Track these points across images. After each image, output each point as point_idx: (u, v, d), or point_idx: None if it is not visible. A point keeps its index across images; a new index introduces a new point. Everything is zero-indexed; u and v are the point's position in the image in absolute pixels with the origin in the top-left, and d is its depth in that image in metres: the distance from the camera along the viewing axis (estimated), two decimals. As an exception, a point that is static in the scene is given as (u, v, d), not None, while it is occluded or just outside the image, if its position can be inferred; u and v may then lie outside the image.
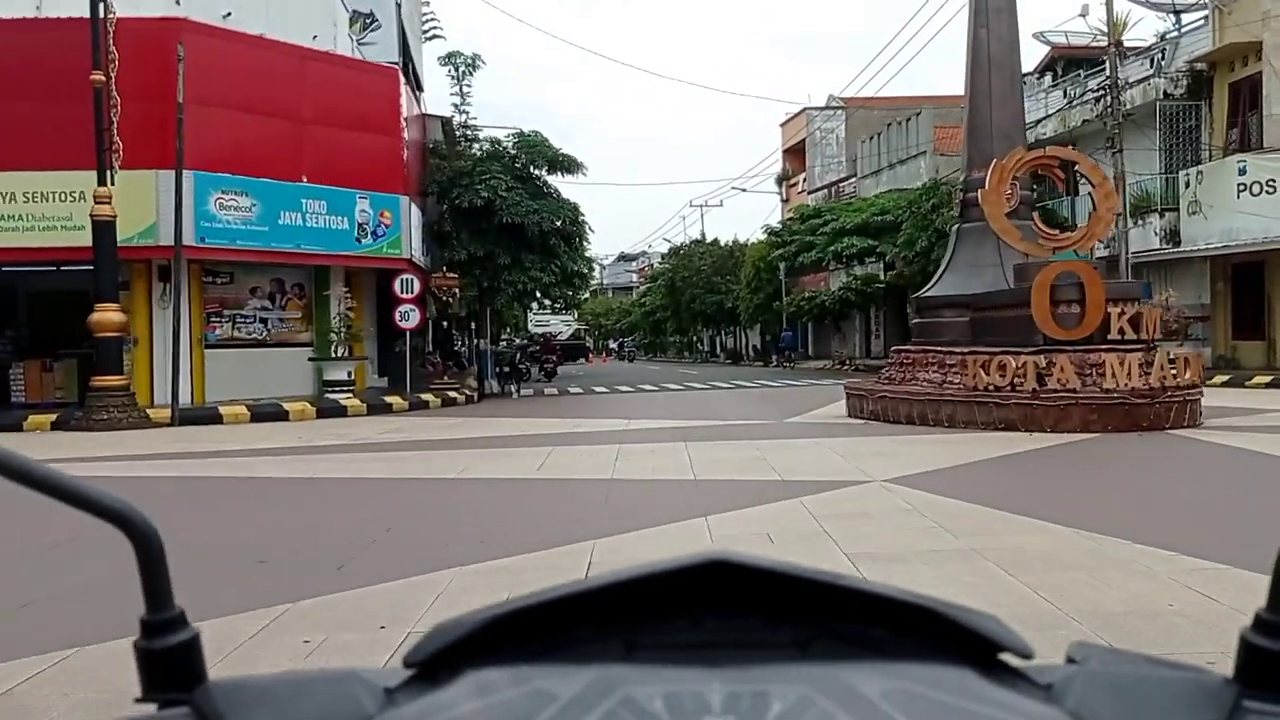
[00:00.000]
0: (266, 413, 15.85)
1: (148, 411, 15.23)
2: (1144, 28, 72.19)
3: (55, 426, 14.73)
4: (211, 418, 15.38)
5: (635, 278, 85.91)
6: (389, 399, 18.13)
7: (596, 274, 61.00)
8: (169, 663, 0.56)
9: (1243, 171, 20.87)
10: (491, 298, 23.56)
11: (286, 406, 16.24)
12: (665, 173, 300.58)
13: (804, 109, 47.30)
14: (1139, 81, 24.01)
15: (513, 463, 9.93)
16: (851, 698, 0.47)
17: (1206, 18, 23.40)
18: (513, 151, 22.94)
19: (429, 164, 22.60)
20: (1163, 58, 24.49)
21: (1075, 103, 26.45)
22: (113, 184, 14.78)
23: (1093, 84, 25.47)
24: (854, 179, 40.11)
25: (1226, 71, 22.72)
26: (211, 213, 16.55)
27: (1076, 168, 14.71)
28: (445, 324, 26.38)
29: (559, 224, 22.41)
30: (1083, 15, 26.09)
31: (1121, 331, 11.67)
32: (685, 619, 0.54)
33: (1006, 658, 0.53)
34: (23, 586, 4.94)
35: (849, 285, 34.73)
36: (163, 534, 0.58)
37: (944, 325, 14.04)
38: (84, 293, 15.11)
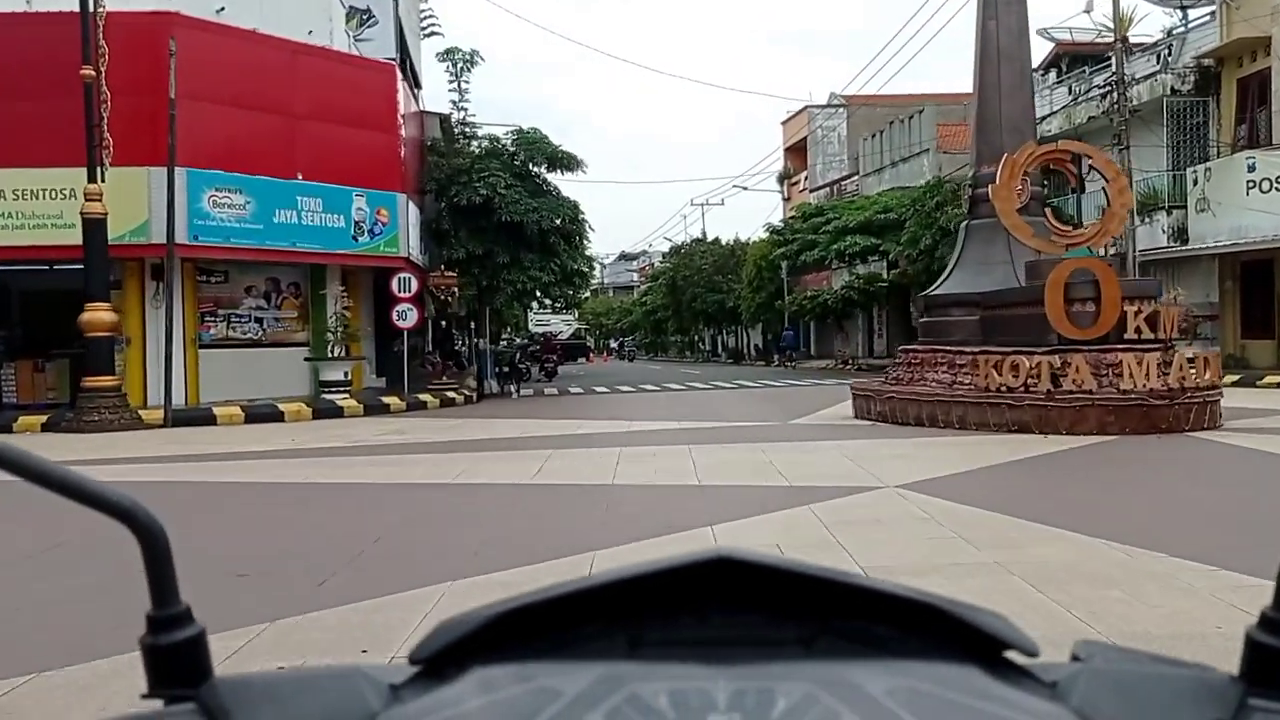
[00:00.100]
0: (261, 414, 15.57)
1: (140, 413, 15.00)
2: (1150, 23, 71.78)
3: (45, 428, 14.50)
4: (205, 419, 15.12)
5: (636, 277, 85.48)
6: (386, 399, 17.85)
7: (597, 273, 60.71)
8: (175, 659, 0.55)
9: (1252, 168, 20.58)
10: (491, 297, 23.26)
11: (282, 407, 15.97)
12: (666, 171, 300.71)
13: (805, 107, 47.00)
14: (1145, 78, 23.74)
15: (510, 466, 9.62)
16: (856, 695, 0.47)
17: (1214, 13, 23.13)
18: (512, 149, 22.66)
19: (427, 161, 22.29)
20: (1169, 53, 24.19)
21: (1080, 99, 26.16)
22: (104, 181, 14.51)
23: (1098, 80, 25.18)
24: (856, 177, 39.81)
25: (1235, 67, 22.43)
26: (205, 210, 16.27)
27: (1087, 162, 14.40)
28: (445, 323, 26.12)
29: (559, 222, 22.12)
30: (1087, 11, 25.67)
31: (1138, 330, 11.34)
32: (690, 616, 0.54)
33: (1012, 655, 0.53)
34: (22, 587, 4.76)
35: (851, 284, 34.51)
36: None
37: (953, 324, 13.74)
38: (76, 292, 14.82)
